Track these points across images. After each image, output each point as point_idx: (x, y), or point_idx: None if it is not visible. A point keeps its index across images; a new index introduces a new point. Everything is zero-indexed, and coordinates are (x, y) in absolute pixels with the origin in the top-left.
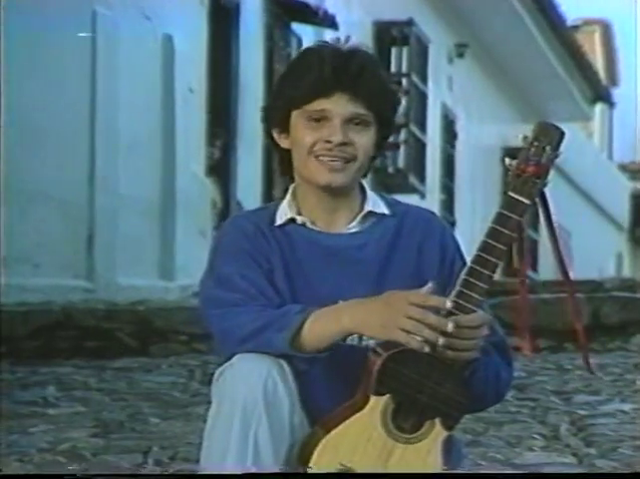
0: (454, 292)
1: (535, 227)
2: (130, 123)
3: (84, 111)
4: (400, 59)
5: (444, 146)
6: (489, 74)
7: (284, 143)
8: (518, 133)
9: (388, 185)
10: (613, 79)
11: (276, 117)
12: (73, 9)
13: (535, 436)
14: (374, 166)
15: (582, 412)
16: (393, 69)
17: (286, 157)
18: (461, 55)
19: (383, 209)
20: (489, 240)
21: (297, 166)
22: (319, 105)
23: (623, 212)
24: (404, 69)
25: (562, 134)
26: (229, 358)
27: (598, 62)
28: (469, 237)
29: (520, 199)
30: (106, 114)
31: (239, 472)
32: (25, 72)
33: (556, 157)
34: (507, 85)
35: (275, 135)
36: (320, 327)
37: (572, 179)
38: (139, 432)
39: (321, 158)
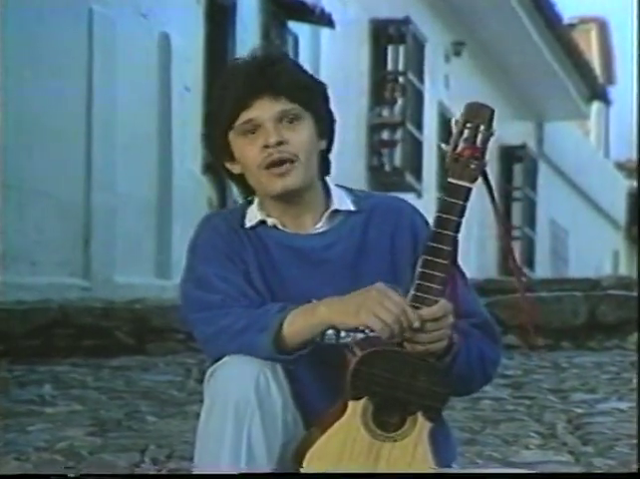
0: (413, 286)
1: (532, 225)
2: (126, 121)
3: (81, 109)
4: (396, 57)
5: (440, 144)
6: (486, 72)
7: (236, 169)
8: (515, 131)
9: (385, 183)
10: (610, 77)
11: (218, 146)
12: (70, 7)
13: (532, 434)
14: (372, 164)
15: (579, 410)
16: (389, 67)
17: (244, 182)
18: (457, 53)
19: (349, 205)
20: (438, 229)
21: (252, 184)
22: (246, 116)
23: (620, 210)
24: (400, 67)
25: (492, 112)
26: (219, 359)
27: (595, 60)
28: (465, 234)
29: (461, 183)
30: (103, 112)
31: (234, 472)
32: (22, 70)
33: (491, 135)
34: (504, 83)
35: (227, 165)
36: (299, 323)
37: (569, 177)
38: (136, 431)
39: (267, 171)
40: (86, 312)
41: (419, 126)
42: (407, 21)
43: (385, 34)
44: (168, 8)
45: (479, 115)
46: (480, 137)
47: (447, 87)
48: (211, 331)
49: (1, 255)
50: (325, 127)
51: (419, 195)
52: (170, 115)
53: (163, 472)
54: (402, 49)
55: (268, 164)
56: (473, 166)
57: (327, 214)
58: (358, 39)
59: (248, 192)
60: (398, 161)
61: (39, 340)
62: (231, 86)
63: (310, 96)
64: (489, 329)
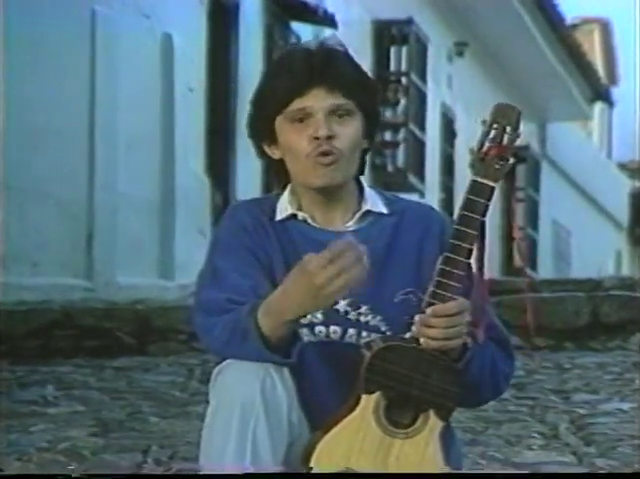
0: (432, 283)
1: (535, 225)
2: (129, 122)
3: (83, 110)
4: (399, 58)
5: (443, 145)
6: (489, 73)
7: (275, 154)
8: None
9: (387, 183)
10: (612, 78)
11: (262, 128)
12: (72, 8)
13: (535, 435)
14: (375, 164)
15: (581, 411)
16: (392, 68)
17: (281, 167)
18: (460, 54)
19: (381, 207)
20: (461, 227)
21: (293, 171)
22: (299, 104)
23: (622, 210)
24: (403, 68)
25: (519, 113)
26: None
27: (597, 61)
28: None
29: (486, 182)
30: (105, 113)
31: (239, 472)
32: (24, 71)
33: (517, 136)
34: (507, 84)
35: (266, 148)
36: (270, 324)
37: (572, 178)
38: (138, 431)
39: (314, 159)
40: (88, 313)
41: (421, 126)
42: (409, 22)
43: (387, 35)
44: (171, 9)
45: (506, 116)
46: (506, 137)
47: (449, 87)
48: (206, 340)
49: (3, 256)
50: (372, 127)
51: (421, 195)
52: (173, 115)
53: (166, 473)
54: (404, 50)
55: (316, 154)
56: (498, 166)
57: (360, 213)
58: (361, 40)
59: (282, 178)
60: (400, 161)
61: (41, 341)
62: (288, 71)
63: (364, 95)
64: (505, 343)
